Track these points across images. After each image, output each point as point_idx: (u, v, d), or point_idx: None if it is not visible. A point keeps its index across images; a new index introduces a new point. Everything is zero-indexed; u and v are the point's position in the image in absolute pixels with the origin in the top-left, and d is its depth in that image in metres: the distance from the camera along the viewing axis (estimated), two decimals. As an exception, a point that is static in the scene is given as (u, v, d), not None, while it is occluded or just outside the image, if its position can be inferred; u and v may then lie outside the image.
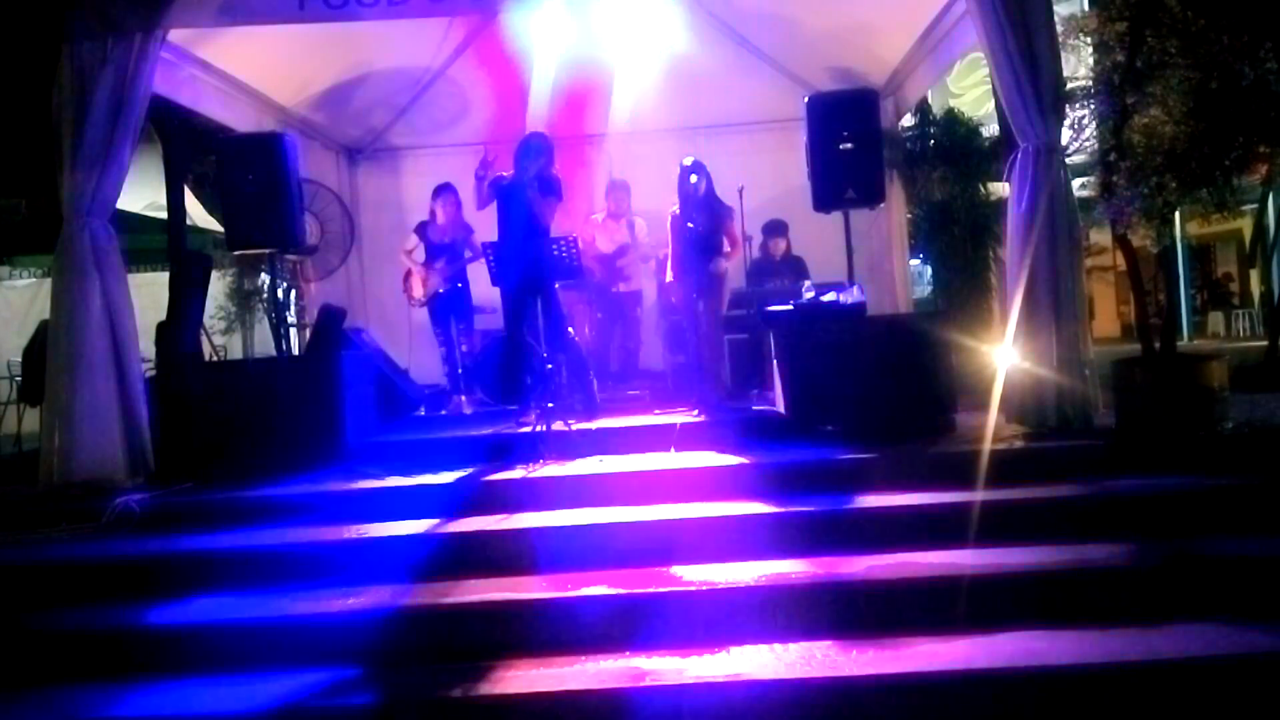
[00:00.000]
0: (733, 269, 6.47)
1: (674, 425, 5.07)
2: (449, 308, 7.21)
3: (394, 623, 3.50)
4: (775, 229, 7.28)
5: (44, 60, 5.12)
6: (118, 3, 4.98)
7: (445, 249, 7.17)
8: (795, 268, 7.24)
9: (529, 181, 5.64)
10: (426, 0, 5.54)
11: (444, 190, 7.19)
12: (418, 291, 7.27)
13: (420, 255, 7.28)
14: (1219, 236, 17.89)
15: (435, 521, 4.13)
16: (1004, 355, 4.88)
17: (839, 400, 4.98)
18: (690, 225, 5.96)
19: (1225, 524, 3.83)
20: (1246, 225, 15.20)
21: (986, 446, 4.32)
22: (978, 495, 3.95)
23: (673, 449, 4.82)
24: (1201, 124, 4.66)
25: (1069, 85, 5.03)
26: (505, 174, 5.77)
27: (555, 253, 5.37)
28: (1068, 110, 4.95)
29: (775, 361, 5.39)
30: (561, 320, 5.87)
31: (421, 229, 7.30)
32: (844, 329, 5.17)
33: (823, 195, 5.49)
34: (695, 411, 5.61)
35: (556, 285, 5.78)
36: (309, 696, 3.17)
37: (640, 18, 6.68)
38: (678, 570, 3.66)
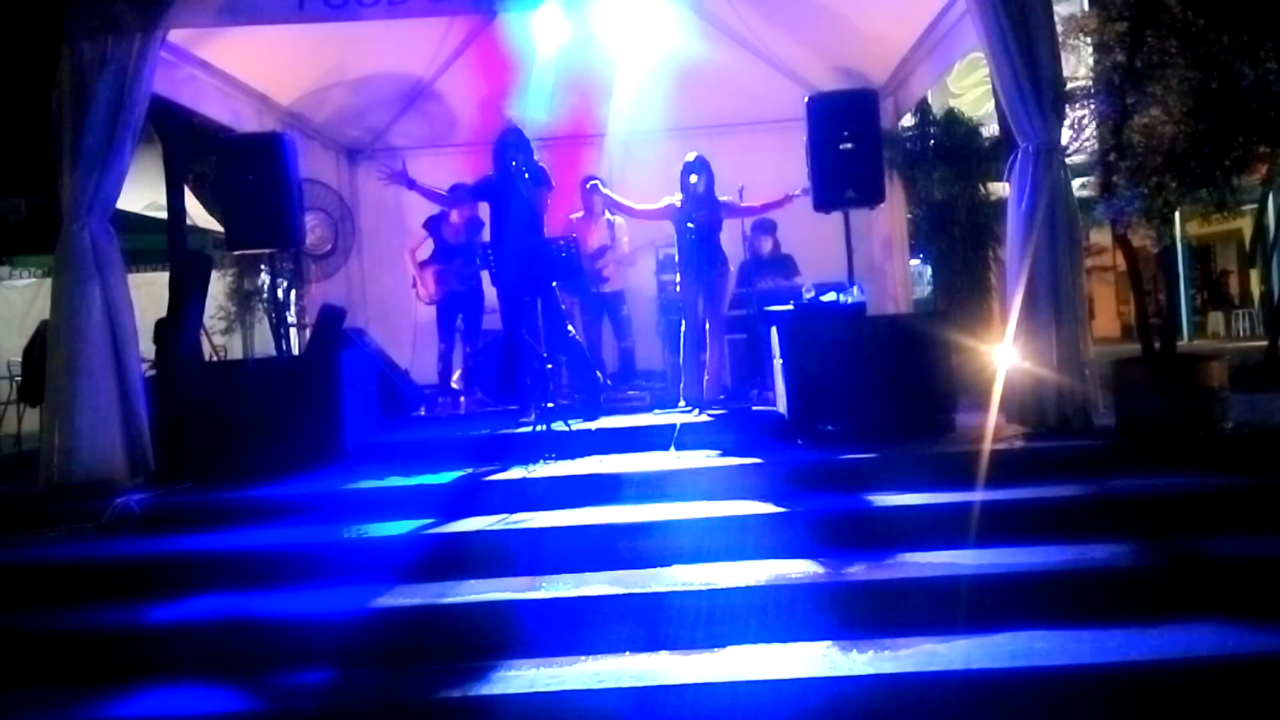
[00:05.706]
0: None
1: (674, 425, 5.07)
2: (459, 307, 7.17)
3: (393, 623, 3.50)
4: (763, 227, 7.16)
5: (44, 60, 5.11)
6: (118, 3, 4.97)
7: (460, 250, 7.11)
8: (784, 265, 7.23)
9: (522, 178, 5.62)
10: (426, 0, 5.54)
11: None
12: (429, 287, 7.19)
13: (426, 251, 7.23)
14: (1219, 236, 17.86)
15: (434, 521, 4.13)
16: (1004, 355, 4.88)
17: (839, 400, 4.98)
18: (690, 225, 5.95)
19: (1225, 524, 3.83)
20: (1246, 225, 15.18)
21: (986, 446, 4.32)
22: (978, 495, 3.95)
23: (673, 449, 4.82)
24: (1201, 124, 4.65)
25: (1069, 85, 5.02)
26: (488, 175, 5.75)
27: (557, 253, 5.36)
28: (1068, 110, 4.95)
29: (775, 361, 5.39)
30: (561, 319, 5.86)
31: (434, 226, 7.21)
32: (844, 329, 5.17)
33: (823, 195, 5.49)
34: (695, 411, 5.61)
35: (553, 284, 5.77)
36: (308, 697, 3.17)
37: (640, 18, 6.68)
38: (678, 570, 3.66)
